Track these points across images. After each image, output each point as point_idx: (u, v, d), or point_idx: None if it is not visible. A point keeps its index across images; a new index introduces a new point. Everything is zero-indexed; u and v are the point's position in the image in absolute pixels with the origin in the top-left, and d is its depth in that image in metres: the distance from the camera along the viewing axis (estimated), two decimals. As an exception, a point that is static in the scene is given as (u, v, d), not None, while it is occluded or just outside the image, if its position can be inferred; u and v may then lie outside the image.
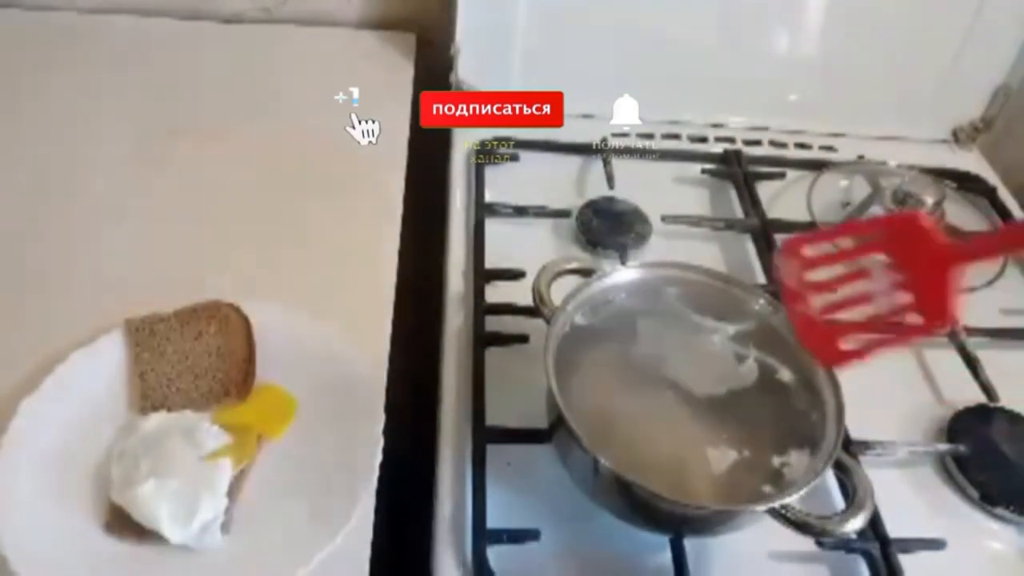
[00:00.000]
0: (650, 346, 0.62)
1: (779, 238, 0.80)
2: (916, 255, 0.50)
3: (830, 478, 0.60)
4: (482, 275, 0.73)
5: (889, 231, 0.53)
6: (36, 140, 0.80)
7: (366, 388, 0.60)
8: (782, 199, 0.87)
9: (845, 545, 0.58)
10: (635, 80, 0.92)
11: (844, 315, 0.53)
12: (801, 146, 0.95)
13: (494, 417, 0.62)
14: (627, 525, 0.56)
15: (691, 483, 0.58)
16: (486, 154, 0.86)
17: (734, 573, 0.58)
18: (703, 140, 0.94)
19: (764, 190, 0.87)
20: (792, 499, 0.51)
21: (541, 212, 0.80)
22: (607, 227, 0.79)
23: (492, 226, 0.78)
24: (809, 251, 0.54)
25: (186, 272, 0.70)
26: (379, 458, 0.56)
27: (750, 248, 0.81)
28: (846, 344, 0.52)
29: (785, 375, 0.60)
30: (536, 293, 0.62)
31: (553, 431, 0.59)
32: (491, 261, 0.74)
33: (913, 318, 0.50)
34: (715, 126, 0.95)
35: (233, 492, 0.55)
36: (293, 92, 0.90)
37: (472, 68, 0.90)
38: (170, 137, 0.82)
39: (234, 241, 0.73)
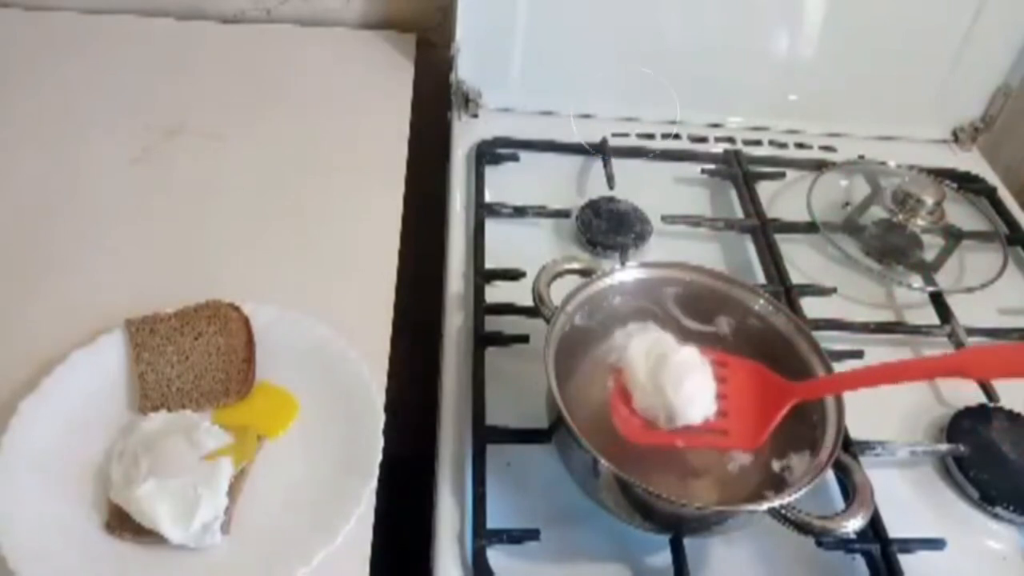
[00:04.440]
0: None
1: (779, 238, 0.80)
2: (758, 385, 0.58)
3: (830, 478, 0.60)
4: (482, 275, 0.73)
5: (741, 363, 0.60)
6: (36, 140, 0.80)
7: (366, 388, 0.60)
8: (782, 199, 0.87)
9: (845, 545, 0.58)
10: (635, 80, 0.92)
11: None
12: (801, 146, 0.95)
13: (494, 417, 0.62)
14: (627, 525, 0.56)
15: (691, 483, 0.59)
16: (486, 154, 0.86)
17: (734, 573, 0.58)
18: (703, 140, 0.94)
19: (764, 190, 0.87)
20: (792, 499, 0.51)
21: (541, 212, 0.80)
22: (607, 227, 0.79)
23: (492, 226, 0.78)
24: None
25: (186, 272, 0.70)
26: (379, 458, 0.56)
27: (750, 248, 0.81)
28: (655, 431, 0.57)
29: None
30: (536, 293, 0.62)
31: (553, 431, 0.59)
32: (491, 261, 0.74)
33: (727, 430, 0.57)
34: (715, 126, 0.95)
35: (233, 492, 0.55)
36: (293, 92, 0.90)
37: (472, 68, 0.90)
38: (170, 137, 0.82)
39: (234, 241, 0.73)
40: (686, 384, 0.56)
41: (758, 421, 0.56)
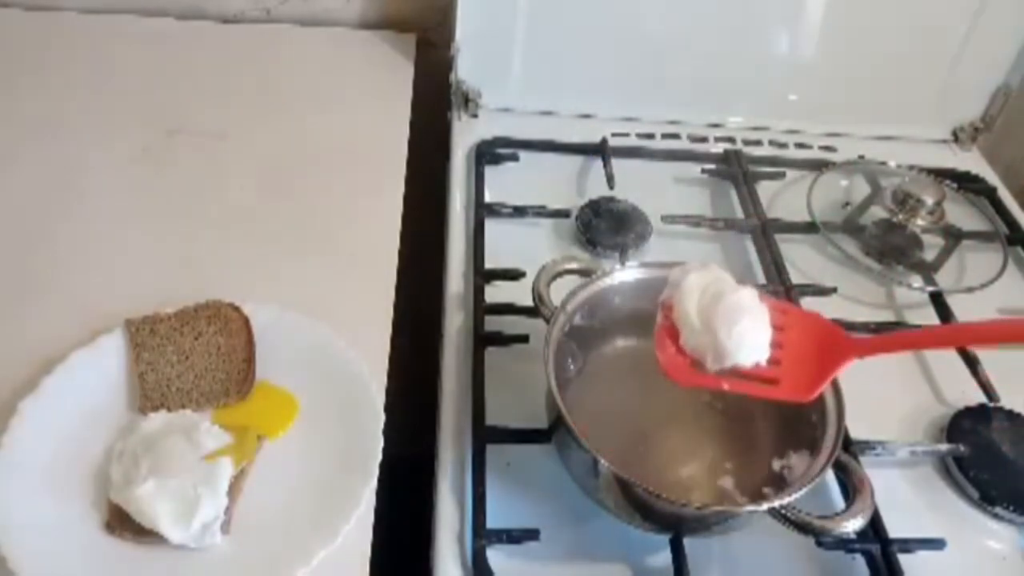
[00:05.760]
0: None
1: (779, 238, 0.80)
2: (817, 336, 0.55)
3: (830, 478, 0.60)
4: (482, 275, 0.73)
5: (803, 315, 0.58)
6: (36, 140, 0.80)
7: (366, 388, 0.60)
8: (782, 199, 0.87)
9: (845, 545, 0.58)
10: (635, 80, 0.92)
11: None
12: (801, 146, 0.95)
13: (494, 417, 0.62)
14: (627, 525, 0.56)
15: (691, 483, 0.59)
16: (486, 154, 0.86)
17: (734, 573, 0.58)
18: (703, 140, 0.94)
19: (764, 190, 0.87)
20: (792, 499, 0.51)
21: (541, 212, 0.80)
22: (607, 227, 0.79)
23: (492, 226, 0.78)
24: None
25: (186, 272, 0.70)
26: (379, 458, 0.56)
27: (750, 248, 0.81)
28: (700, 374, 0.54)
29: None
30: (536, 293, 0.62)
31: (553, 431, 0.59)
32: (491, 261, 0.74)
33: (778, 380, 0.54)
34: (715, 126, 0.95)
35: (233, 492, 0.55)
36: (293, 92, 0.90)
37: (472, 68, 0.90)
38: (170, 137, 0.82)
39: (234, 241, 0.73)
40: (739, 325, 0.52)
41: (813, 374, 0.53)
